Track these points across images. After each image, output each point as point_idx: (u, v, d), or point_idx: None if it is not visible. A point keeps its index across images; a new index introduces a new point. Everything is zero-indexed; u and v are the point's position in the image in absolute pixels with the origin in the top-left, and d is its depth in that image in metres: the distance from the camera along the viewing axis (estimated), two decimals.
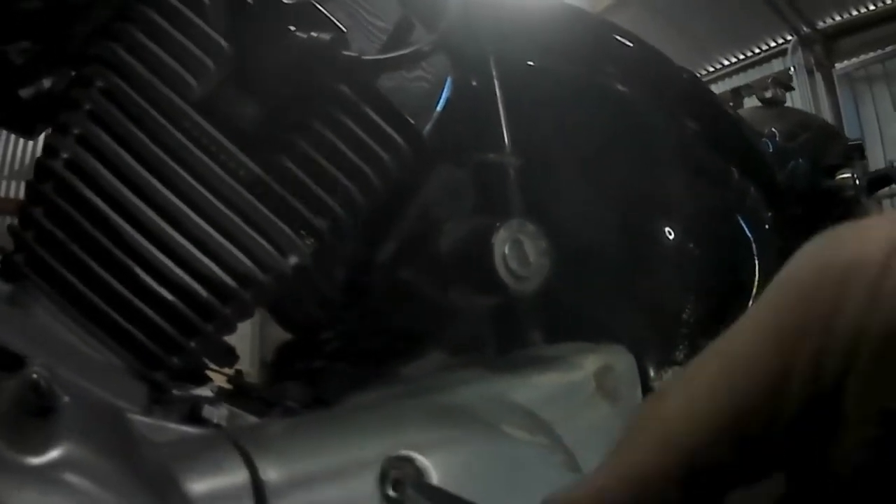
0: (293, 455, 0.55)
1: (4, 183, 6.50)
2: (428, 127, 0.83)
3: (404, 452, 0.58)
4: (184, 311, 0.69)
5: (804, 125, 1.96)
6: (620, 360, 0.88)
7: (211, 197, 0.70)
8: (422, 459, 0.58)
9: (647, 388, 0.91)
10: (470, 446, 0.63)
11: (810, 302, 0.23)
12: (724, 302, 1.20)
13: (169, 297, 0.68)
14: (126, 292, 0.67)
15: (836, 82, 6.03)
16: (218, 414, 0.69)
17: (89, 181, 0.67)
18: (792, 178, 1.50)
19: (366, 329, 0.98)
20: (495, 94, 0.97)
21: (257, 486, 0.51)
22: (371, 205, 0.80)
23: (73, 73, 0.79)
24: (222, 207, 0.70)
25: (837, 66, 6.04)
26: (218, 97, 0.71)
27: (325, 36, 0.73)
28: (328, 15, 0.74)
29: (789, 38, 6.03)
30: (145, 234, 0.68)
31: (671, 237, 1.07)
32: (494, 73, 0.97)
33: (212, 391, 0.80)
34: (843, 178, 1.60)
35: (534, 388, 0.77)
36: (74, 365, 0.63)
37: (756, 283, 1.28)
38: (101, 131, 0.68)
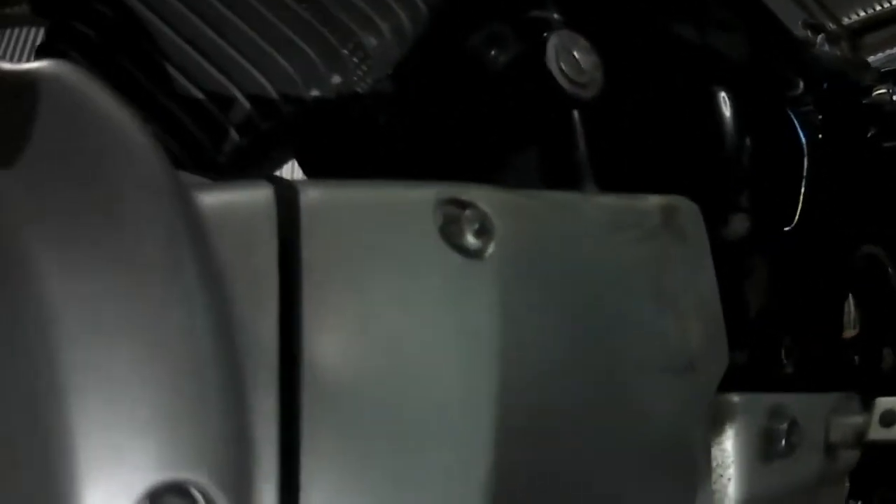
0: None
1: None
2: None
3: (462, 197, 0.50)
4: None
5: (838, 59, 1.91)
6: (684, 203, 0.81)
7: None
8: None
9: (715, 234, 0.85)
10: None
11: None
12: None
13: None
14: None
15: None
16: None
17: None
18: (831, 92, 1.46)
19: None
20: None
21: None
22: (417, 35, 0.77)
23: None
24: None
25: None
26: None
27: None
28: None
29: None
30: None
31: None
32: None
33: None
34: (880, 93, 1.55)
35: (598, 207, 0.69)
36: None
37: (804, 181, 1.23)
38: None
